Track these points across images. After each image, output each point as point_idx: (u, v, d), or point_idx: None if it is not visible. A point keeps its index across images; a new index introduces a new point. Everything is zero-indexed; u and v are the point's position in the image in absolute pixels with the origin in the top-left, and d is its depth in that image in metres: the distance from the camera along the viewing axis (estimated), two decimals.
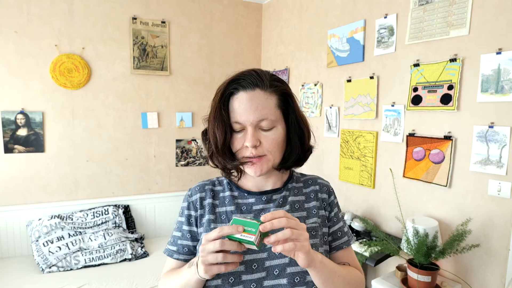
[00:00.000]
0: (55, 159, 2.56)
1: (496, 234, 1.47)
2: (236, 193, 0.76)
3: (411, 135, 1.84)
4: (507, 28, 1.42)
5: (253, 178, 0.76)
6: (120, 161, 2.78)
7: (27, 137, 2.46)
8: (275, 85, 0.71)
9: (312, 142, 0.78)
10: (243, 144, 0.69)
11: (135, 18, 2.71)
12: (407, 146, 1.86)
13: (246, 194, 0.75)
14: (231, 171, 0.76)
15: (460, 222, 1.58)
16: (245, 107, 0.67)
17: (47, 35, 2.46)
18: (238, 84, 0.69)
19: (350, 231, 0.80)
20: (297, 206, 0.75)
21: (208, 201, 0.75)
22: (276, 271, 0.67)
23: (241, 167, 0.72)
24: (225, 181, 0.79)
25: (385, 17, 1.96)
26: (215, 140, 0.70)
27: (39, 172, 2.53)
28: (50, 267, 2.21)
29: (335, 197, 0.81)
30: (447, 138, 1.65)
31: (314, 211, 0.75)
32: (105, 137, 2.72)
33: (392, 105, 1.94)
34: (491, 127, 1.47)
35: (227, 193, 0.76)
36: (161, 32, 2.81)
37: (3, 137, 2.39)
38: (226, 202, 0.75)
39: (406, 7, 1.84)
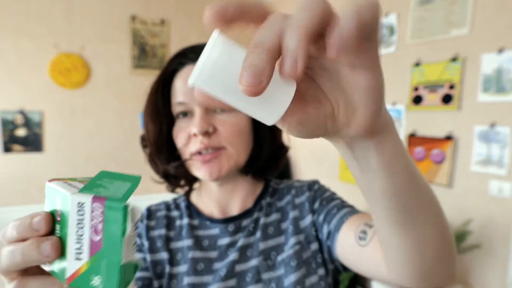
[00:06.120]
0: (54, 159, 2.55)
1: (497, 235, 1.47)
2: (196, 221, 0.56)
3: (412, 135, 1.83)
4: (508, 28, 1.41)
5: (213, 196, 0.56)
6: (119, 161, 2.77)
7: (26, 137, 2.44)
8: None
9: (285, 140, 0.59)
10: (189, 133, 0.49)
11: (134, 17, 2.70)
12: (408, 146, 1.85)
13: (208, 223, 0.55)
14: (177, 180, 0.57)
15: (461, 222, 1.58)
16: None
17: (46, 35, 2.44)
18: (183, 57, 0.51)
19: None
20: (270, 230, 0.55)
21: (158, 232, 0.55)
22: None
23: (190, 169, 0.52)
24: (182, 204, 0.59)
25: (386, 16, 1.96)
26: (148, 137, 0.53)
27: (38, 172, 2.52)
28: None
29: (321, 186, 0.60)
30: (448, 138, 1.64)
31: (292, 228, 0.54)
32: (104, 137, 2.71)
33: (393, 105, 1.94)
34: (492, 127, 1.47)
35: (185, 221, 0.56)
36: (160, 31, 2.80)
37: (2, 136, 2.38)
38: (183, 234, 0.54)
39: (407, 6, 1.84)
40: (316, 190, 0.58)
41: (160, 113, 0.51)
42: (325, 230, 0.53)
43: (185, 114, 0.51)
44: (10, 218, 2.42)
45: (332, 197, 0.57)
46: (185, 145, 0.50)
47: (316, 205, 0.56)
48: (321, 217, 0.54)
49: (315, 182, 0.60)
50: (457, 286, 1.58)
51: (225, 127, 0.49)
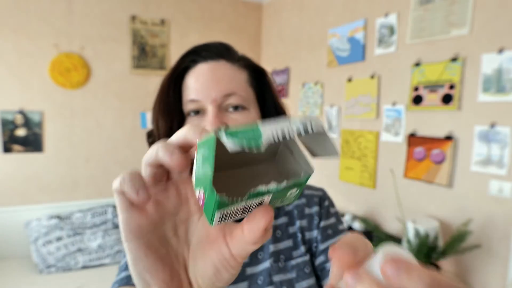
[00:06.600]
0: (54, 159, 2.55)
1: (497, 235, 1.47)
2: None
3: (412, 135, 1.83)
4: (508, 27, 1.41)
5: None
6: (119, 161, 2.76)
7: (26, 137, 2.44)
8: (246, 59, 0.54)
9: None
10: None
11: (134, 17, 2.70)
12: (408, 146, 1.85)
13: None
14: None
15: (461, 222, 1.58)
16: (204, 79, 0.48)
17: (46, 35, 2.44)
18: (196, 55, 0.51)
19: None
20: (278, 233, 0.54)
21: None
22: None
23: None
24: None
25: (386, 16, 1.96)
26: (157, 133, 0.51)
27: (38, 172, 2.52)
28: (49, 268, 2.20)
29: (332, 205, 0.60)
30: (448, 138, 1.64)
31: (300, 236, 0.55)
32: (104, 137, 2.70)
33: (393, 105, 1.93)
34: (492, 127, 1.46)
35: None
36: (160, 31, 2.80)
37: (2, 136, 2.38)
38: None
39: (407, 6, 1.83)
40: (326, 208, 0.58)
41: (171, 110, 0.50)
42: (320, 260, 0.53)
43: (197, 112, 0.50)
44: (10, 218, 2.42)
45: (338, 227, 0.57)
46: None
47: (322, 224, 0.56)
48: (321, 246, 0.54)
49: (325, 197, 0.60)
50: None
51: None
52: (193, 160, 0.23)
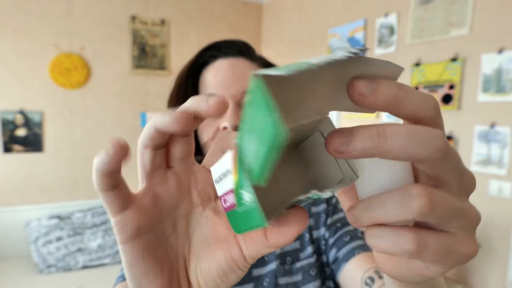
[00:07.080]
0: (54, 159, 2.55)
1: (497, 235, 1.47)
2: None
3: None
4: (508, 28, 1.41)
5: None
6: None
7: (26, 137, 2.44)
8: (264, 59, 0.55)
9: None
10: (217, 127, 0.48)
11: (134, 17, 2.70)
12: None
13: None
14: None
15: None
16: (223, 75, 0.48)
17: (46, 35, 2.45)
18: (216, 51, 0.51)
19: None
20: None
21: None
22: None
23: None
24: None
25: (386, 16, 1.96)
26: None
27: (38, 172, 2.52)
28: (49, 268, 2.20)
29: (338, 200, 0.59)
30: (448, 138, 1.64)
31: (308, 236, 0.54)
32: (104, 137, 2.71)
33: None
34: (492, 127, 1.47)
35: None
36: (160, 31, 2.80)
37: (2, 136, 2.38)
38: None
39: (407, 6, 1.84)
40: (333, 205, 0.57)
41: None
42: (333, 253, 0.52)
43: None
44: (10, 218, 2.42)
45: (346, 219, 0.56)
46: (211, 139, 0.48)
47: (329, 221, 0.55)
48: (331, 240, 0.53)
49: (333, 196, 0.59)
50: (457, 286, 1.58)
51: None
52: (193, 145, 0.21)
